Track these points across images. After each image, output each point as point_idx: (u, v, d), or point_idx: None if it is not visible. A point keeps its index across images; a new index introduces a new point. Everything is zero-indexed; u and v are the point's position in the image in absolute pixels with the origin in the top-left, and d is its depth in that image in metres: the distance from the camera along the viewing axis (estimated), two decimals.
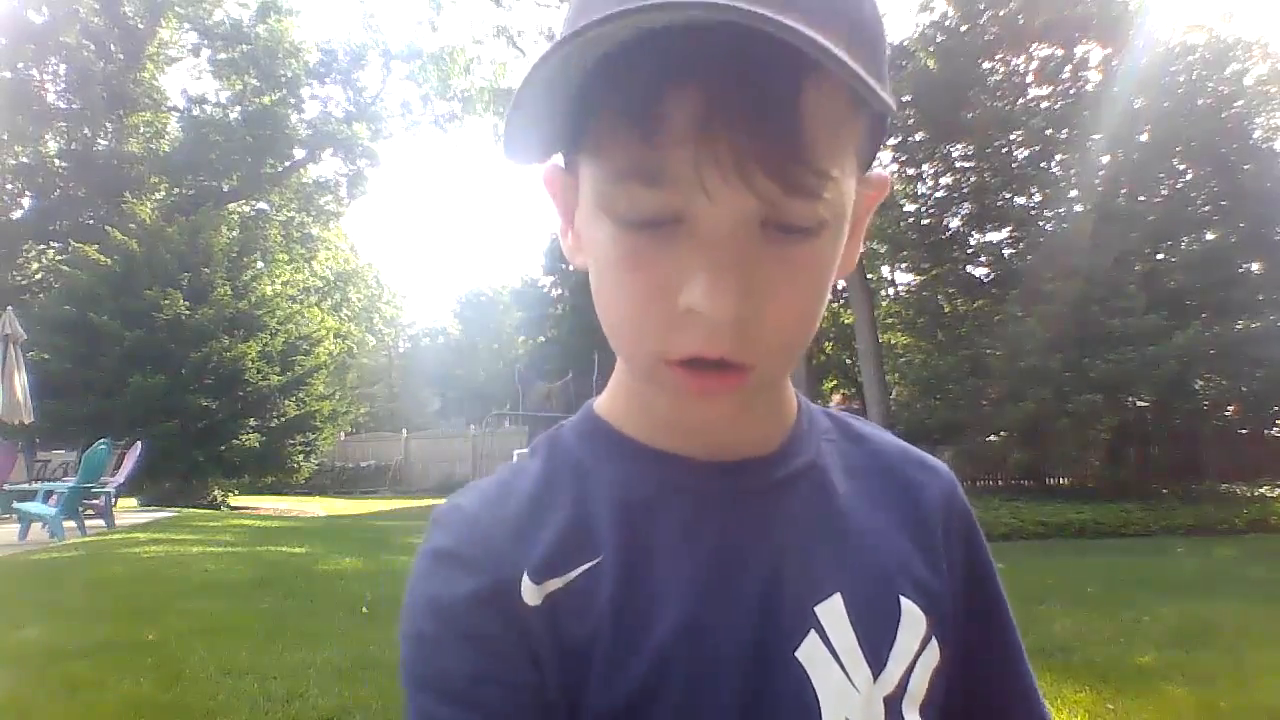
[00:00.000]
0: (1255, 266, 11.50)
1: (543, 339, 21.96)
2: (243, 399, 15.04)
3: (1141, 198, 12.05)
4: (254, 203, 23.97)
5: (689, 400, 0.47)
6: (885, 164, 15.63)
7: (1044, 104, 13.22)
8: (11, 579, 6.43)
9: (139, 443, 10.78)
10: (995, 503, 10.69)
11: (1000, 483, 13.50)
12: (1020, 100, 13.33)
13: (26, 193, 22.78)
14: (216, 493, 15.43)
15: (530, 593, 0.49)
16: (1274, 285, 11.02)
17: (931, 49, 13.12)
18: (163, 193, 21.94)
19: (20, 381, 10.24)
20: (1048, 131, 12.65)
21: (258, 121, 21.94)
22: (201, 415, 14.18)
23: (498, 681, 0.48)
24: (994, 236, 14.16)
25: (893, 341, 16.10)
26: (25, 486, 10.44)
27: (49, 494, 9.32)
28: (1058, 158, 12.98)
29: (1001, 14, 12.62)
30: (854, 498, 0.56)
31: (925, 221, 14.38)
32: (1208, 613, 4.88)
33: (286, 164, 23.43)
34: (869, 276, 15.20)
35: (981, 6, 12.73)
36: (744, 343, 0.44)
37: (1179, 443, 12.10)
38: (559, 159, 0.51)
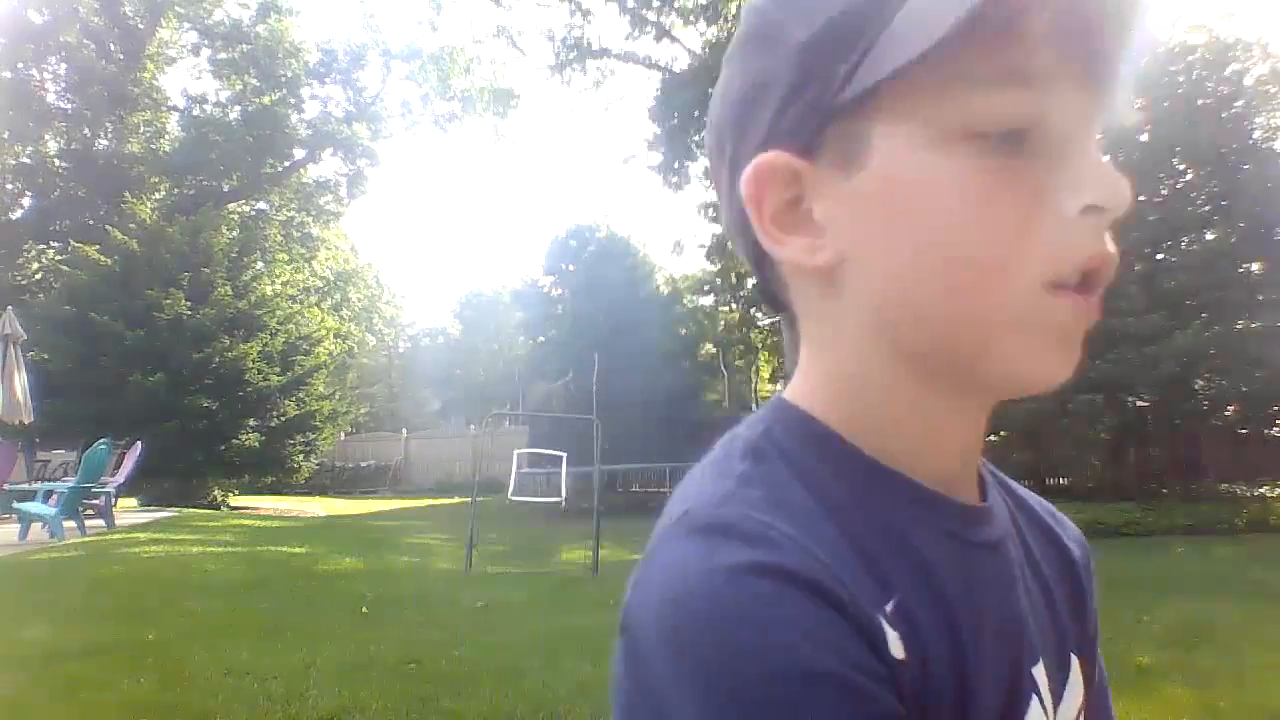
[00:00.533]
0: (1255, 266, 11.49)
1: (543, 339, 21.94)
2: (243, 399, 15.05)
3: (1141, 198, 12.05)
4: (254, 203, 23.97)
5: (1065, 349, 0.44)
6: None
7: None
8: (11, 579, 6.44)
9: (139, 443, 10.78)
10: None
11: None
12: None
13: (26, 193, 22.77)
14: (216, 493, 15.44)
15: (895, 643, 0.40)
16: (1274, 285, 11.01)
17: None
18: (163, 193, 21.94)
19: (20, 381, 10.24)
20: None
21: (258, 121, 21.94)
22: (202, 415, 14.18)
23: None
24: None
25: None
26: (25, 486, 10.45)
27: (49, 494, 9.33)
28: None
29: None
30: (1030, 554, 0.53)
31: None
32: (1208, 613, 4.88)
33: (286, 164, 23.43)
34: None
35: None
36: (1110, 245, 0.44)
37: (1179, 443, 12.09)
38: (773, 154, 0.45)
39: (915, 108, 0.41)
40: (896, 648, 0.39)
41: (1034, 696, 0.47)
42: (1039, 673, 0.48)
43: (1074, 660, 0.51)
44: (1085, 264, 0.42)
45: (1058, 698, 0.49)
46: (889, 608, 0.41)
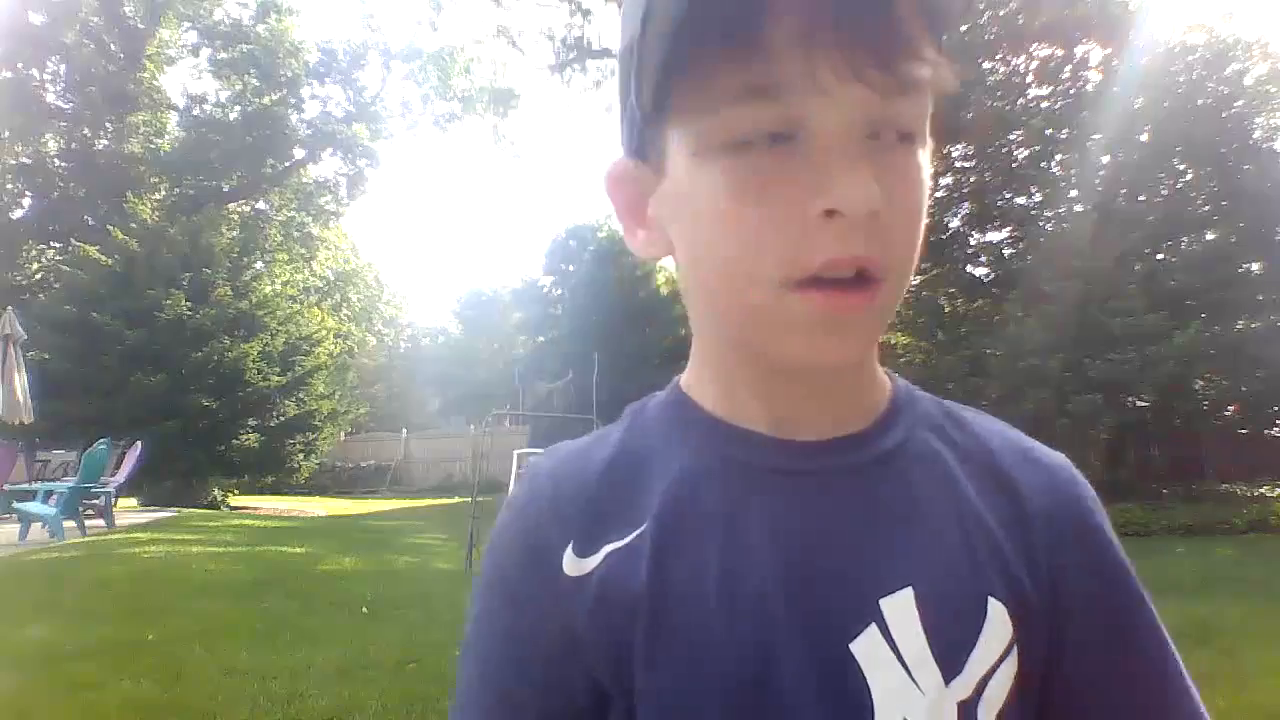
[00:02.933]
0: (1255, 266, 11.48)
1: (543, 339, 21.95)
2: (243, 399, 15.05)
3: (1141, 198, 12.05)
4: (254, 203, 23.98)
5: (818, 337, 0.46)
6: None
7: (1044, 104, 13.21)
8: (11, 579, 6.43)
9: (139, 443, 10.78)
10: None
11: None
12: (1020, 100, 13.33)
13: (26, 193, 22.78)
14: (216, 493, 15.43)
15: (571, 563, 0.51)
16: (1274, 285, 11.01)
17: None
18: (163, 193, 21.94)
19: (20, 381, 10.24)
20: (1048, 131, 12.64)
21: (258, 121, 21.95)
22: (202, 415, 14.18)
23: (527, 650, 0.52)
24: (994, 236, 14.16)
25: (893, 341, 16.09)
26: (25, 486, 10.44)
27: (49, 494, 9.32)
28: (1058, 158, 12.97)
29: (1001, 14, 12.62)
30: (949, 486, 0.52)
31: (925, 221, 14.38)
32: (1207, 613, 4.88)
33: (286, 164, 23.43)
34: None
35: (981, 6, 12.73)
36: (876, 243, 0.44)
37: (1179, 443, 12.10)
38: (621, 159, 0.53)
39: (687, 120, 0.46)
40: (572, 565, 0.51)
41: (872, 624, 0.47)
42: (894, 602, 0.48)
43: (993, 604, 0.49)
44: (822, 266, 0.43)
45: (949, 639, 0.47)
46: (579, 534, 0.51)
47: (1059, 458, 0.59)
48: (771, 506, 0.50)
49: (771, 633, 0.47)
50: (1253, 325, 11.01)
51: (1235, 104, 11.49)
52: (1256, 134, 11.71)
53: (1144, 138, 11.92)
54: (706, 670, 0.47)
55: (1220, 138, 11.38)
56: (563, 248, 21.07)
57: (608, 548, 0.51)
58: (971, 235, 14.30)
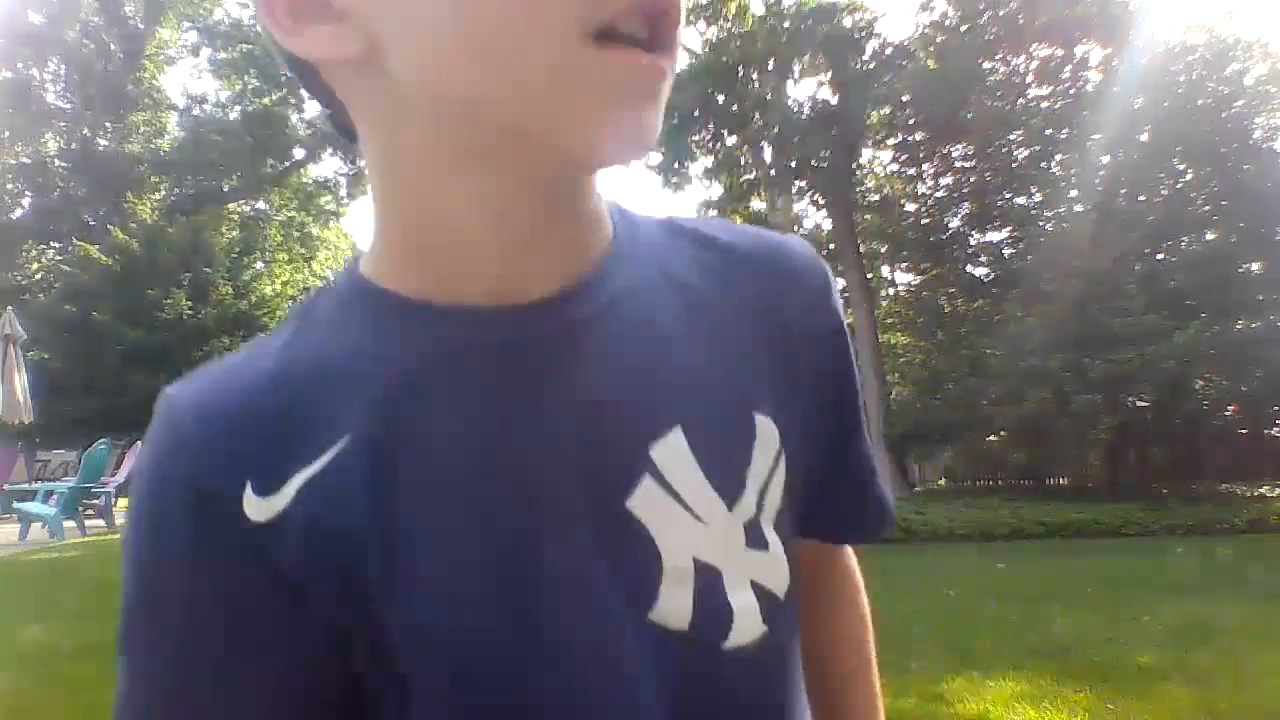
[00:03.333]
0: (1255, 266, 11.49)
1: None
2: None
3: (1141, 198, 12.05)
4: (254, 203, 23.98)
5: (627, 108, 0.38)
6: (885, 164, 15.67)
7: (1044, 104, 13.22)
8: (11, 579, 6.44)
9: (139, 443, 10.77)
10: (995, 503, 10.68)
11: (1000, 483, 13.50)
12: (1020, 100, 13.33)
13: (26, 193, 22.78)
14: None
15: (254, 506, 0.42)
16: (1274, 285, 11.02)
17: (931, 49, 13.12)
18: (163, 192, 21.95)
19: (20, 381, 10.24)
20: (1048, 131, 12.65)
21: (258, 121, 21.93)
22: None
23: (236, 620, 0.42)
24: (994, 236, 14.18)
25: (893, 341, 16.11)
26: (25, 486, 10.44)
27: (49, 494, 9.32)
28: (1058, 158, 12.98)
29: (1001, 14, 12.62)
30: (694, 312, 0.49)
31: (925, 221, 14.38)
32: (1208, 613, 4.88)
33: (286, 164, 23.42)
34: (869, 276, 15.21)
35: (981, 6, 12.73)
36: None
37: (1179, 443, 12.10)
38: None
39: None
40: (255, 509, 0.41)
41: (646, 475, 0.44)
42: (664, 446, 0.45)
43: (760, 419, 0.48)
44: (643, 3, 0.36)
45: (726, 464, 0.46)
46: (256, 469, 0.42)
47: (803, 255, 0.55)
48: (507, 388, 0.44)
49: (537, 519, 0.43)
50: (1253, 325, 11.01)
51: (1235, 104, 11.49)
52: (1256, 134, 11.72)
53: (1144, 138, 11.93)
54: (465, 583, 0.42)
55: (1220, 138, 11.39)
56: None
57: (298, 478, 0.42)
58: (971, 235, 14.31)
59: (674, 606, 0.44)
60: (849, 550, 0.66)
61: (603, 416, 0.44)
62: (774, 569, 0.48)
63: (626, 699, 0.43)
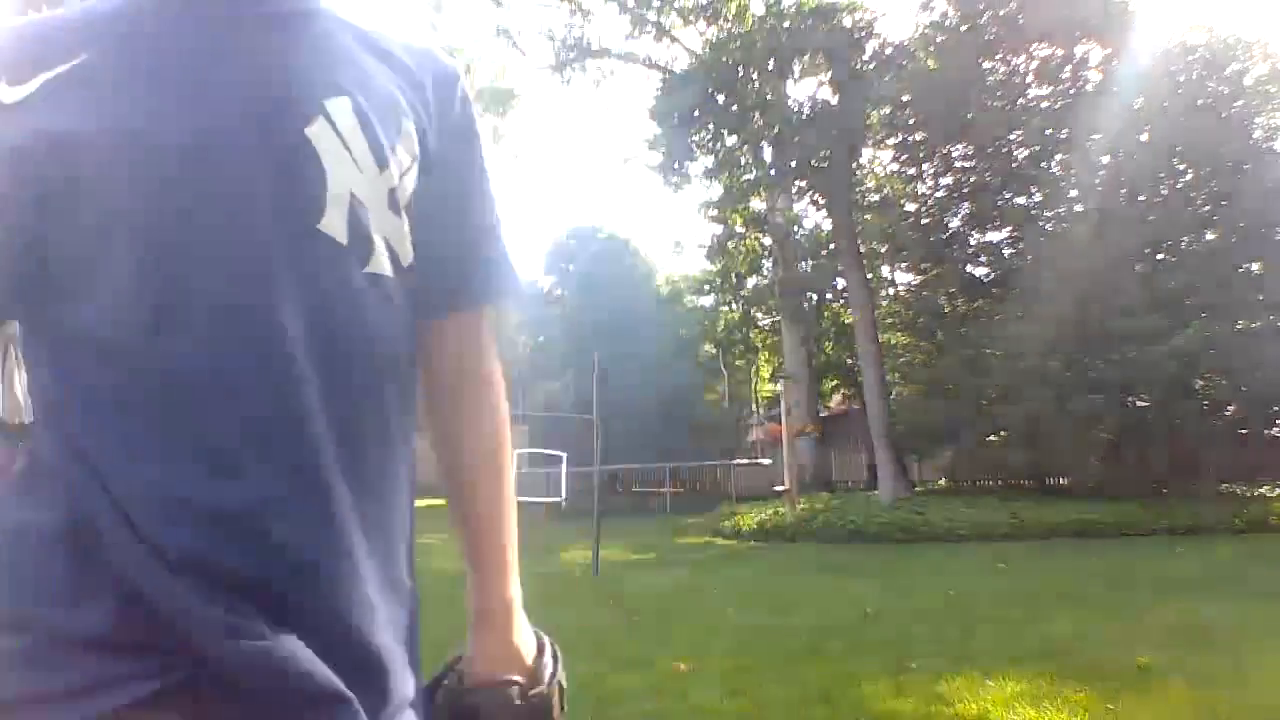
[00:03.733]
0: (1255, 266, 11.49)
1: (543, 339, 21.95)
2: None
3: (1141, 198, 12.05)
4: None
5: None
6: (885, 164, 15.66)
7: (1044, 104, 13.21)
8: None
9: None
10: (995, 503, 10.68)
11: (1000, 483, 13.49)
12: (1020, 100, 13.33)
13: None
14: None
15: (3, 91, 0.56)
16: (1274, 285, 11.01)
17: (931, 49, 13.12)
18: None
19: (20, 381, 10.24)
20: (1048, 131, 12.64)
21: None
22: None
23: None
24: (994, 236, 14.16)
25: (893, 341, 16.10)
26: None
27: None
28: (1058, 158, 12.97)
29: (1001, 14, 12.62)
30: (365, 40, 0.67)
31: (925, 221, 14.37)
32: (1208, 613, 4.88)
33: None
34: (869, 276, 15.21)
35: (981, 6, 12.73)
36: None
37: (1179, 443, 12.08)
38: None
39: None
40: (4, 93, 0.56)
41: (321, 117, 0.59)
42: (337, 105, 0.60)
43: (407, 123, 0.65)
44: None
45: (379, 142, 0.61)
46: (62, 61, 0.56)
47: (449, 61, 0.73)
48: (218, 41, 0.59)
49: (225, 136, 0.56)
50: (1253, 325, 11.01)
51: (1235, 104, 11.49)
52: (1256, 134, 11.71)
53: (1144, 138, 11.92)
54: (146, 178, 0.55)
55: (1220, 138, 11.38)
56: (562, 248, 21.08)
57: (44, 76, 0.55)
58: (971, 235, 14.30)
59: (336, 222, 0.59)
60: (493, 361, 0.77)
61: (290, 67, 0.60)
62: (401, 239, 0.64)
63: (259, 296, 0.56)
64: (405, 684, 0.62)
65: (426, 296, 0.67)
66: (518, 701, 0.70)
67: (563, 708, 0.73)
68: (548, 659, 0.75)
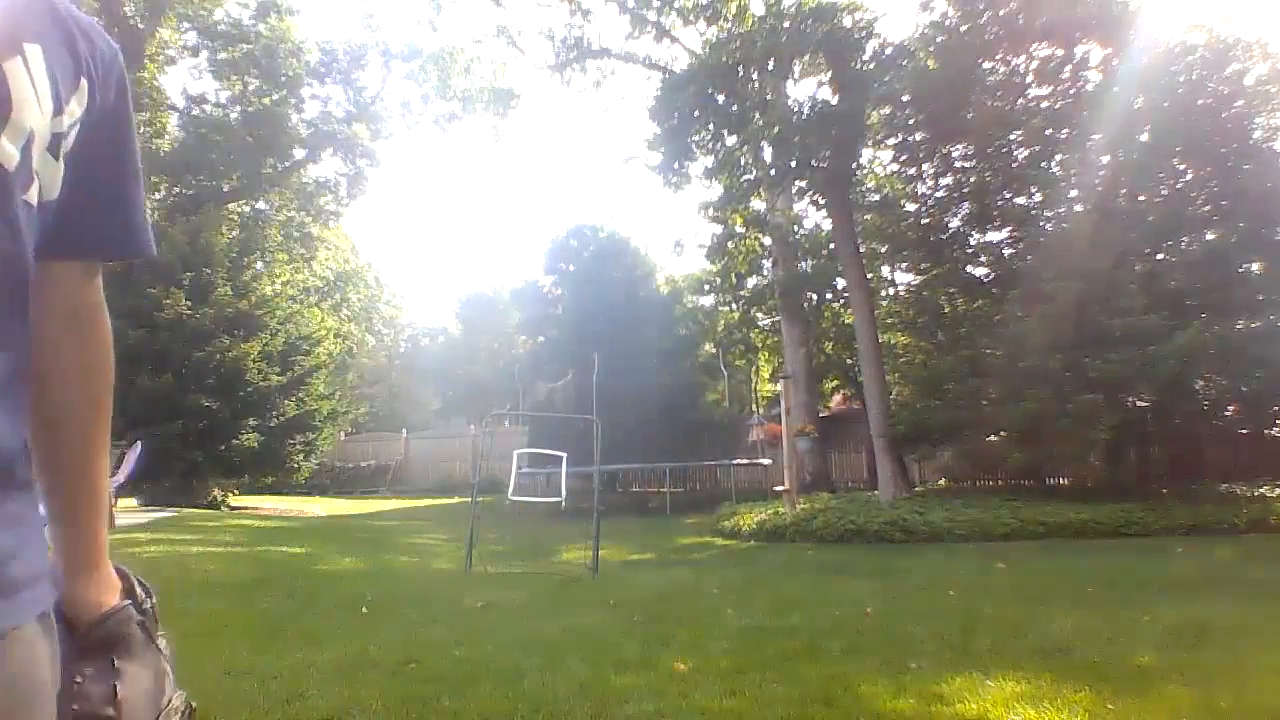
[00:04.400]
0: (1255, 266, 11.48)
1: (543, 339, 21.93)
2: (243, 399, 15.04)
3: (1141, 198, 12.04)
4: (254, 203, 23.96)
5: None
6: (885, 164, 15.64)
7: (1044, 104, 13.20)
8: None
9: (139, 442, 10.77)
10: (995, 503, 10.68)
11: (1000, 483, 13.50)
12: (1020, 100, 13.32)
13: None
14: (216, 493, 15.43)
15: None
16: (1274, 285, 11.01)
17: (931, 49, 13.11)
18: (163, 192, 21.93)
19: None
20: (1048, 131, 12.64)
21: (258, 121, 21.92)
22: (202, 415, 14.17)
23: None
24: (994, 236, 14.15)
25: (893, 341, 16.09)
26: None
27: None
28: (1058, 158, 12.97)
29: (1001, 14, 12.61)
30: (56, 7, 0.75)
31: (925, 221, 14.36)
32: (1208, 613, 4.88)
33: (286, 164, 23.41)
34: (869, 276, 15.20)
35: (981, 6, 12.72)
36: None
37: (1179, 443, 12.09)
38: None
39: None
40: None
41: (18, 56, 0.67)
42: (31, 49, 0.68)
43: (83, 81, 0.75)
44: None
45: (55, 84, 0.70)
46: None
47: (110, 44, 0.81)
48: None
49: None
50: (1253, 325, 11.01)
51: (1235, 104, 11.48)
52: (1256, 134, 11.70)
53: (1144, 138, 11.91)
54: None
55: (1220, 138, 11.38)
56: (563, 248, 21.04)
57: None
58: (971, 235, 14.29)
59: (8, 148, 0.66)
60: (104, 311, 0.84)
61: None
62: (54, 181, 0.73)
63: None
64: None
65: (62, 236, 0.76)
66: (139, 618, 0.84)
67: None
68: (125, 570, 0.87)
